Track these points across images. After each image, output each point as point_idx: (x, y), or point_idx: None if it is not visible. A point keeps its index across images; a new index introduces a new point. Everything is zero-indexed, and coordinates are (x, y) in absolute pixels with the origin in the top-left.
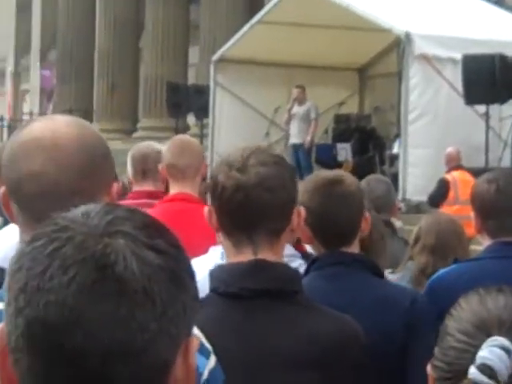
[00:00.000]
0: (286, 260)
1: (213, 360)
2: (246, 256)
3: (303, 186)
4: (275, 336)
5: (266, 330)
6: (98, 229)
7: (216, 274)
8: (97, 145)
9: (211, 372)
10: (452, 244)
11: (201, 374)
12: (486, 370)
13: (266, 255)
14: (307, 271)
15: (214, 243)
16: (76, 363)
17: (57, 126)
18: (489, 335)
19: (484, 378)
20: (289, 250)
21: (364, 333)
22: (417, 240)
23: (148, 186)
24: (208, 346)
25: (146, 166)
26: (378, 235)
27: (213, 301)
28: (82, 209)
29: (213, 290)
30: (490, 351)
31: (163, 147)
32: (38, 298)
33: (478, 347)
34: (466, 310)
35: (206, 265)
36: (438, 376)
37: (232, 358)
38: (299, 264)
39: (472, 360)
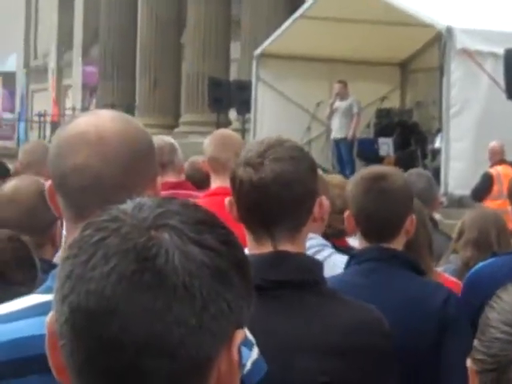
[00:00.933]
0: (315, 250)
1: (256, 351)
2: (267, 248)
3: (353, 178)
4: (299, 326)
5: (289, 321)
6: (146, 221)
7: None
8: (140, 139)
9: (254, 363)
10: (495, 238)
11: (243, 366)
12: None
13: (286, 247)
14: (348, 265)
15: None
16: (112, 354)
17: (101, 120)
18: None
19: None
20: (318, 240)
21: (395, 329)
22: (461, 234)
23: (169, 178)
24: (251, 337)
25: (163, 159)
26: (425, 233)
27: None
28: (136, 201)
29: None
30: None
31: (205, 141)
32: (80, 286)
33: None
34: (508, 302)
35: None
36: (480, 369)
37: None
38: (330, 253)
39: None
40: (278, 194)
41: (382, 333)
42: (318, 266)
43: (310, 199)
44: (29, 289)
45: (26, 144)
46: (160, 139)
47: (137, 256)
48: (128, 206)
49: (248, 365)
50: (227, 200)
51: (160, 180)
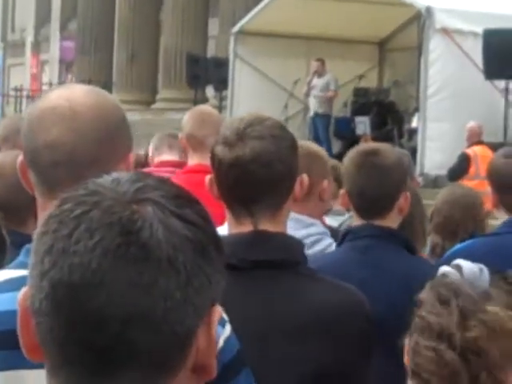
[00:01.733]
0: (314, 238)
1: (228, 329)
2: (246, 227)
3: (347, 154)
4: (278, 307)
5: (268, 301)
6: (127, 195)
7: None
8: (114, 113)
9: (226, 341)
10: (461, 224)
11: (216, 343)
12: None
13: (267, 226)
14: (340, 242)
15: None
16: (96, 327)
17: (74, 94)
18: None
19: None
20: (318, 228)
21: (391, 307)
22: (431, 217)
23: (174, 157)
24: (224, 315)
25: (172, 139)
26: (421, 211)
27: None
28: (113, 175)
29: None
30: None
31: (184, 117)
32: (63, 261)
33: None
34: None
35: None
36: None
37: (236, 329)
38: (329, 243)
39: None
40: (257, 173)
41: (363, 314)
42: (299, 245)
43: (291, 178)
44: None
45: (5, 118)
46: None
47: (121, 229)
48: (105, 180)
49: (220, 342)
50: (207, 178)
51: (165, 158)
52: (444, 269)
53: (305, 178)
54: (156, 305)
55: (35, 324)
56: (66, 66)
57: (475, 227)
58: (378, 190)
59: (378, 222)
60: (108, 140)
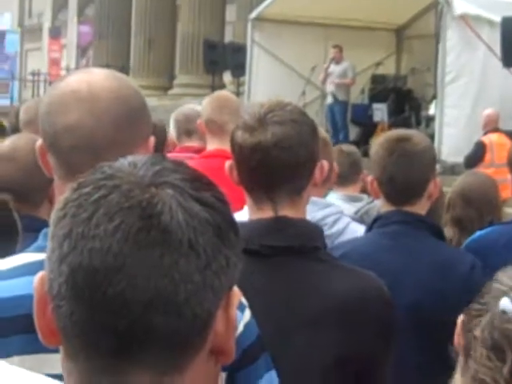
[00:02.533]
0: (334, 218)
1: (247, 314)
2: (267, 213)
3: (377, 140)
4: (300, 293)
5: (290, 288)
6: (145, 179)
7: None
8: (133, 97)
9: (246, 326)
10: (477, 217)
11: (235, 328)
12: None
13: (287, 212)
14: (370, 228)
15: None
16: (117, 311)
17: (93, 78)
18: None
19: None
20: (334, 208)
21: (424, 294)
22: (447, 208)
23: (193, 143)
24: (244, 300)
25: (189, 126)
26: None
27: None
28: (129, 159)
29: None
30: None
31: (203, 102)
32: (82, 245)
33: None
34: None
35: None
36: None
37: (257, 315)
38: (347, 222)
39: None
40: (278, 158)
41: (382, 301)
42: (319, 231)
43: (311, 163)
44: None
45: (26, 102)
46: (187, 107)
47: (142, 213)
48: (122, 163)
49: (240, 327)
50: (227, 163)
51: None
52: (504, 302)
53: (325, 163)
54: (177, 288)
55: (54, 308)
56: (81, 51)
57: (492, 215)
58: (408, 176)
59: (408, 209)
60: (127, 124)
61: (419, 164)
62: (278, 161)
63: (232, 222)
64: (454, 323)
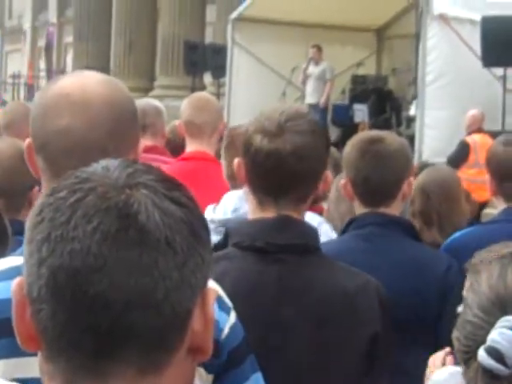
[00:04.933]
0: (317, 222)
1: (233, 316)
2: (269, 214)
3: (349, 142)
4: (305, 290)
5: (295, 284)
6: (120, 180)
7: (239, 228)
8: (126, 104)
9: (231, 328)
10: (435, 212)
11: (221, 330)
12: (495, 353)
13: (290, 214)
14: (344, 231)
15: None
16: (99, 310)
17: (88, 83)
18: (505, 313)
19: (492, 362)
20: (315, 219)
21: (399, 295)
22: (410, 203)
23: (145, 141)
24: (228, 302)
25: (144, 121)
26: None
27: (239, 255)
28: (102, 163)
29: (236, 244)
30: (499, 333)
31: (182, 103)
32: (62, 247)
33: (492, 324)
34: (484, 283)
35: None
36: (457, 348)
37: (264, 311)
38: (320, 221)
39: (485, 338)
40: (293, 166)
41: (381, 300)
42: (316, 232)
43: (320, 174)
44: None
45: (7, 105)
46: (145, 101)
47: (119, 213)
48: (95, 168)
49: (226, 330)
50: (236, 160)
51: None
52: (482, 357)
53: (329, 174)
54: (156, 285)
55: (33, 312)
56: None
57: (452, 209)
58: (382, 177)
59: (382, 210)
60: (118, 130)
61: (393, 165)
62: (291, 169)
63: (203, 220)
64: (430, 324)
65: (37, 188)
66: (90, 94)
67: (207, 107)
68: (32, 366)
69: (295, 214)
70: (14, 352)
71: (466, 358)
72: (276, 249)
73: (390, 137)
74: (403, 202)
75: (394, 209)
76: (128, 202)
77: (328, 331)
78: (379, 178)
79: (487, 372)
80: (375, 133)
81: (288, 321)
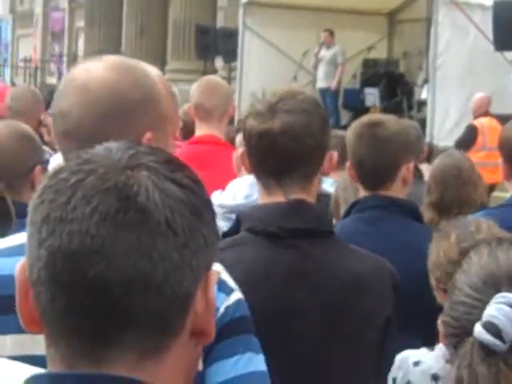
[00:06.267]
0: None
1: (233, 297)
2: (277, 198)
3: (351, 125)
4: (319, 273)
5: (309, 268)
6: (121, 162)
7: (251, 214)
8: (131, 91)
9: (227, 308)
10: (456, 199)
11: (217, 309)
12: (492, 328)
13: (297, 197)
14: (348, 213)
15: None
16: (98, 293)
17: (94, 68)
18: (498, 291)
19: (489, 337)
20: None
21: (402, 277)
22: (427, 193)
23: None
24: (231, 284)
25: None
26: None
27: (251, 240)
28: (105, 145)
29: (248, 229)
30: (497, 309)
31: (192, 87)
32: (61, 228)
33: (486, 303)
34: (475, 264)
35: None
36: (446, 332)
37: (278, 295)
38: None
39: (480, 316)
40: (286, 146)
41: (394, 284)
42: (330, 215)
43: (320, 152)
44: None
45: (15, 90)
46: None
47: (118, 194)
48: (97, 149)
49: (221, 309)
50: (240, 150)
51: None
52: (480, 333)
53: (334, 154)
54: (156, 267)
55: (35, 295)
56: (57, 37)
57: (470, 196)
58: (375, 160)
59: (383, 193)
60: (119, 116)
61: (387, 148)
62: (285, 149)
63: (207, 201)
64: (432, 308)
65: (39, 167)
66: (91, 80)
67: (216, 90)
68: (39, 343)
69: (304, 195)
70: (23, 328)
71: (457, 340)
72: (289, 233)
73: (390, 121)
74: (405, 186)
75: (396, 192)
76: (128, 183)
77: (341, 315)
78: (372, 162)
79: (483, 348)
80: (377, 116)
81: (301, 305)
